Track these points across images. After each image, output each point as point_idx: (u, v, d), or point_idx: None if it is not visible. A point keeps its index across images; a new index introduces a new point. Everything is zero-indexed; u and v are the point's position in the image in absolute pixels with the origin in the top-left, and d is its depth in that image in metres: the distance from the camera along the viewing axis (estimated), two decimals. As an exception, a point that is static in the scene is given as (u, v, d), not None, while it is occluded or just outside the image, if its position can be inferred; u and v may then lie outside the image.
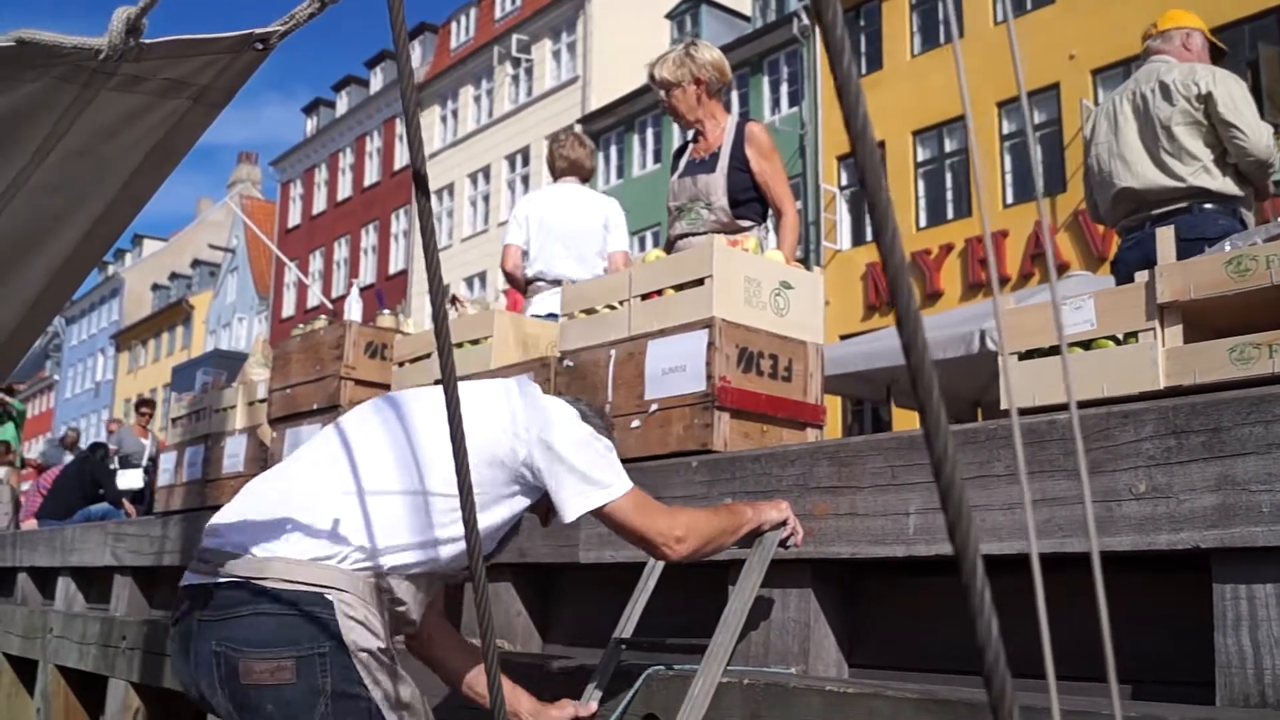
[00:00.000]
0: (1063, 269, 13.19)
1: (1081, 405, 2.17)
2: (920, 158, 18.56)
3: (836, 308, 17.50)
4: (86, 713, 5.78)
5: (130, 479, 9.62)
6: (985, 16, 17.31)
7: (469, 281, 27.78)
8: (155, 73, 1.39)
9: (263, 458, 4.82)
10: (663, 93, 4.03)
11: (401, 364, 4.21)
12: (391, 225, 31.72)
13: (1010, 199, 17.07)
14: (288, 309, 35.53)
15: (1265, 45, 13.39)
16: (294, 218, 36.84)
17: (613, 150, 24.84)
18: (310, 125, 37.53)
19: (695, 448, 2.89)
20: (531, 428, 1.96)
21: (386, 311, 5.23)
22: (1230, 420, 1.84)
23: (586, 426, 2.03)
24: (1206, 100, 3.67)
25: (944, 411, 0.70)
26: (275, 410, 4.81)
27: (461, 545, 1.88)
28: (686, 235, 3.94)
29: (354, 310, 5.29)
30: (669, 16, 24.87)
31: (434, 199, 29.28)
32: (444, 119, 30.59)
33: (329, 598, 1.77)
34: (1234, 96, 3.66)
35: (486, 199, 28.65)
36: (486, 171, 28.77)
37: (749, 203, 3.93)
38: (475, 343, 3.83)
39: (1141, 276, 2.41)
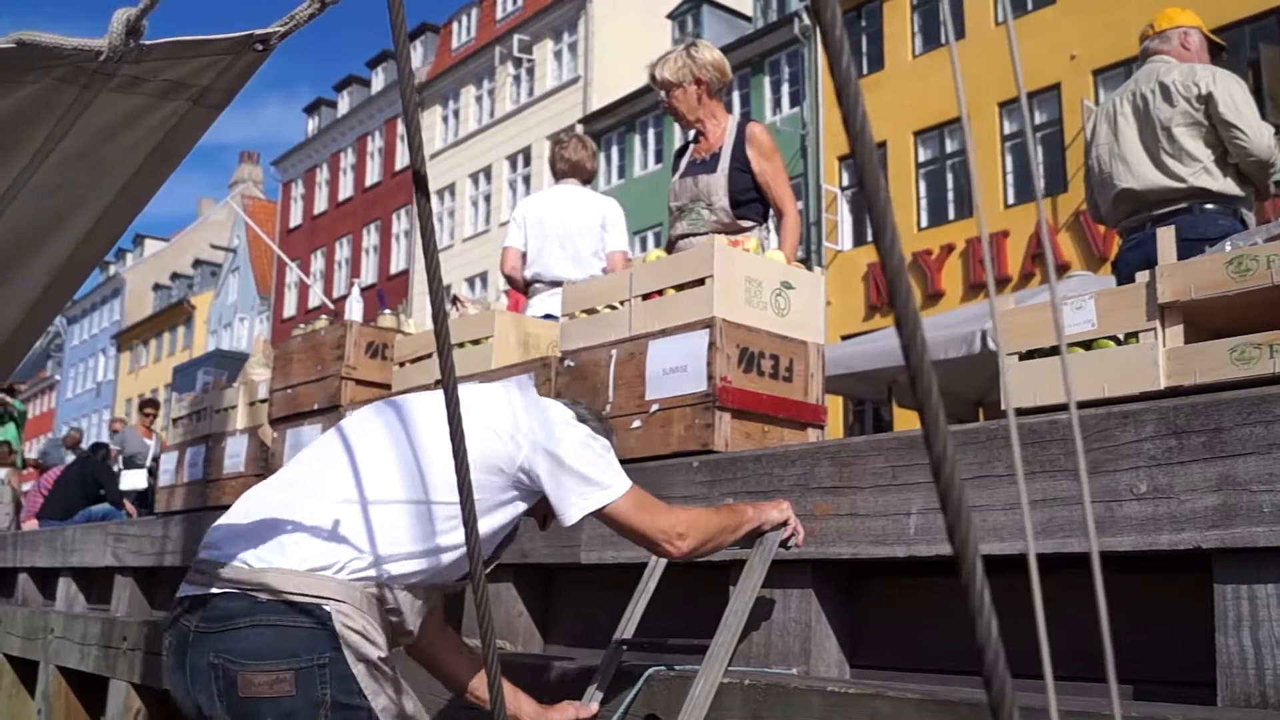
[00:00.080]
0: (1064, 269, 13.20)
1: (1082, 405, 2.16)
2: (922, 158, 18.57)
3: (838, 308, 17.53)
4: (87, 714, 5.77)
5: (134, 479, 9.61)
6: (986, 17, 17.31)
7: (470, 281, 27.80)
8: (155, 74, 1.39)
9: (264, 458, 4.82)
10: (663, 93, 4.03)
11: (402, 364, 4.21)
12: (393, 225, 31.74)
13: (1011, 199, 17.08)
14: (289, 309, 35.56)
15: (1266, 45, 13.34)
16: (295, 218, 36.86)
17: (614, 150, 24.85)
18: (312, 125, 37.55)
19: (696, 448, 2.89)
20: (530, 431, 1.95)
21: (387, 311, 5.23)
22: (1231, 420, 1.84)
23: (584, 427, 2.02)
24: (1207, 101, 3.67)
25: (943, 412, 0.70)
26: (276, 410, 4.81)
27: (461, 553, 1.87)
28: (688, 235, 3.94)
29: (355, 310, 5.29)
30: (670, 17, 24.88)
31: (435, 199, 29.29)
32: (445, 119, 30.61)
33: (327, 609, 1.76)
34: (1234, 97, 3.66)
35: (488, 199, 28.67)
36: (488, 171, 28.79)
37: (750, 203, 3.92)
38: (476, 343, 3.83)
39: (1142, 277, 2.41)
